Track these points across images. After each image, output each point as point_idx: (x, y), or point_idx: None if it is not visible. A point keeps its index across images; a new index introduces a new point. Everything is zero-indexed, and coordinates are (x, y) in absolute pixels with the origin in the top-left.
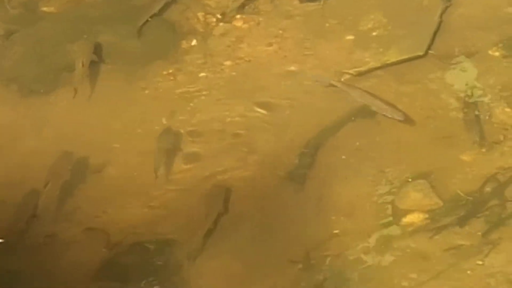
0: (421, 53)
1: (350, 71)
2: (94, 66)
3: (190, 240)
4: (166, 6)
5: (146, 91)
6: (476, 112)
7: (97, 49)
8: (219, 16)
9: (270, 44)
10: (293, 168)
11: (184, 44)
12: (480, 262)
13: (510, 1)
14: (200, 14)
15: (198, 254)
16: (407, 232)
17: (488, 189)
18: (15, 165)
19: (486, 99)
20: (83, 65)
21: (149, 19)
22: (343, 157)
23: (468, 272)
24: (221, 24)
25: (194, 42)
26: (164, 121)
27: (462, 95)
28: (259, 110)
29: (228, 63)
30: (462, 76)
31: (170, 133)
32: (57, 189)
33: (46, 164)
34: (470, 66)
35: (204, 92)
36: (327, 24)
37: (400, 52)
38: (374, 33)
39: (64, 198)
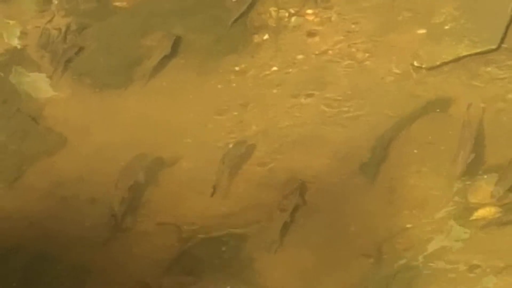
0: (494, 47)
1: (423, 65)
2: (166, 60)
3: (267, 232)
4: (253, 3)
5: (219, 86)
6: None
7: (176, 43)
8: (291, 10)
9: (343, 38)
10: (365, 161)
11: (256, 39)
12: None
13: None
14: (272, 9)
15: (277, 246)
16: (480, 225)
17: None
18: (87, 160)
19: None
20: (151, 59)
21: (239, 17)
22: (415, 151)
23: None
24: (293, 18)
25: (266, 37)
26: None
27: None
28: (331, 103)
29: (300, 57)
30: None
31: (239, 148)
32: (130, 187)
33: (118, 158)
34: None
35: (276, 86)
36: (399, 17)
37: (472, 46)
38: (446, 27)
39: (138, 194)
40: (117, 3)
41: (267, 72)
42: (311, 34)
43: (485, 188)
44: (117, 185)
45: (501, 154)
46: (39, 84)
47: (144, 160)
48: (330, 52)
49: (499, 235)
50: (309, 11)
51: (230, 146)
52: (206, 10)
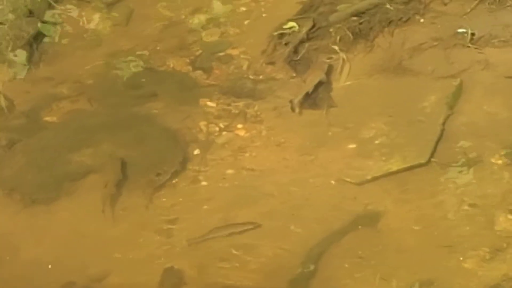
0: (423, 161)
1: (353, 180)
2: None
3: None
4: (181, 166)
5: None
6: None
7: (123, 166)
8: (221, 125)
9: (273, 153)
10: (295, 277)
11: (186, 153)
12: None
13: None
14: (202, 123)
15: None
16: None
17: None
18: (16, 276)
19: (488, 207)
20: (108, 186)
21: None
22: (346, 265)
23: None
24: (223, 132)
25: (196, 151)
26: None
27: (463, 203)
28: (261, 218)
29: (230, 172)
30: (464, 184)
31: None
32: None
33: (48, 276)
34: (472, 174)
35: (206, 201)
36: (329, 133)
37: (402, 160)
38: (376, 141)
39: None
40: (47, 118)
41: (197, 187)
42: (241, 149)
43: None
44: None
45: (430, 270)
46: None
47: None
48: (260, 167)
49: None
50: (239, 126)
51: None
52: (135, 126)
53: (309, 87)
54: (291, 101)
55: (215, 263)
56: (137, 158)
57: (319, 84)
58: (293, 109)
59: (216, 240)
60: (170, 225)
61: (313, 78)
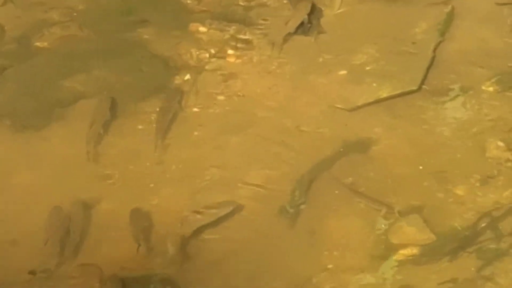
0: (414, 88)
1: (344, 107)
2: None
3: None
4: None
5: (140, 126)
6: None
7: (113, 105)
8: (212, 51)
9: (264, 79)
10: (286, 203)
11: (177, 79)
12: None
13: (503, 37)
14: (193, 49)
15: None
16: (401, 266)
17: (482, 223)
18: (9, 201)
19: (479, 134)
20: (95, 125)
21: None
22: (336, 192)
23: None
24: (213, 59)
25: (187, 77)
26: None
27: (455, 130)
28: (252, 145)
29: (221, 98)
30: (455, 111)
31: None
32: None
33: (41, 200)
34: (463, 101)
35: (198, 127)
36: (320, 59)
37: (393, 87)
38: (367, 68)
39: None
40: (38, 44)
41: (188, 113)
42: (232, 75)
43: (405, 228)
44: (47, 242)
45: (421, 196)
46: None
47: (62, 214)
48: (251, 93)
49: (422, 276)
50: (230, 52)
51: (151, 185)
52: (127, 53)
53: (291, 28)
54: (272, 43)
55: (205, 188)
56: (129, 84)
57: (303, 23)
58: (272, 51)
59: (205, 167)
60: (162, 151)
61: (296, 17)
